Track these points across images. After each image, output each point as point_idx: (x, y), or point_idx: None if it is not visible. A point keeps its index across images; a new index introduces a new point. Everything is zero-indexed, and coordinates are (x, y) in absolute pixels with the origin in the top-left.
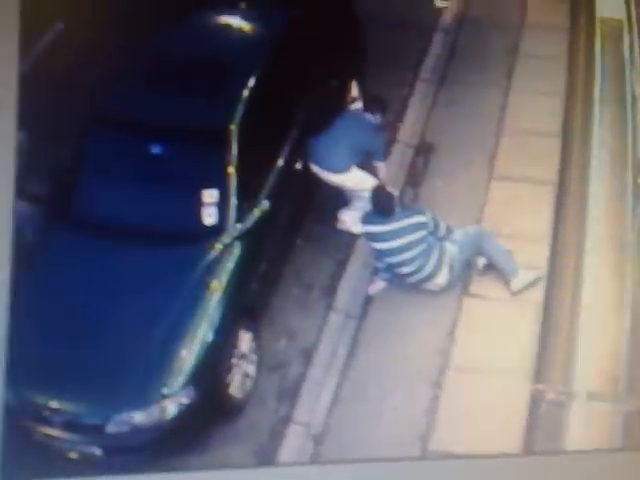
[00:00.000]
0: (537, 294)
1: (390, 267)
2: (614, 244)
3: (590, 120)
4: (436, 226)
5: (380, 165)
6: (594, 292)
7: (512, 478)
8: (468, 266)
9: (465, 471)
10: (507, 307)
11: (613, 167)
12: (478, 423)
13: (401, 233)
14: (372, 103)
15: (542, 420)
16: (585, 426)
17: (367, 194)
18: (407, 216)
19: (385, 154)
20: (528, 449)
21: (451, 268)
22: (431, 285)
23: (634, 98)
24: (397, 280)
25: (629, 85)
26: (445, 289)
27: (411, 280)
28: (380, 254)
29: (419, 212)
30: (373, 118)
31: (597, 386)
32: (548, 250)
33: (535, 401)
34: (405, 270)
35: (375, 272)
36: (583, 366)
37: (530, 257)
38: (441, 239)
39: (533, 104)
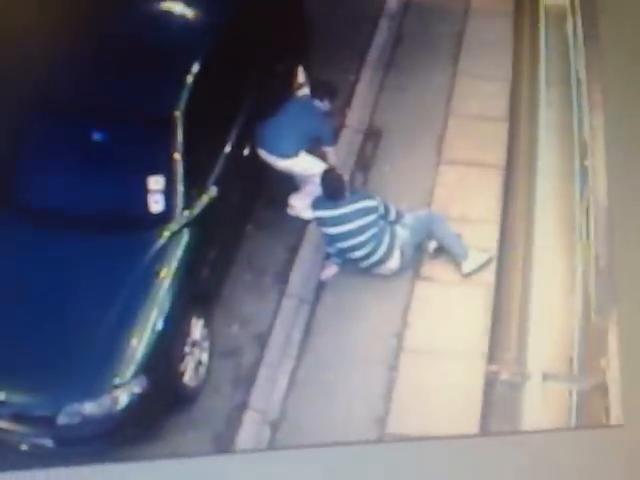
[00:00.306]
0: (488, 276)
1: (341, 252)
2: (563, 225)
3: (536, 103)
4: (386, 210)
5: (329, 150)
6: (545, 273)
7: (469, 459)
8: (419, 249)
9: (423, 453)
10: (459, 289)
11: (560, 149)
12: (434, 405)
13: (351, 217)
14: (321, 89)
15: (497, 401)
16: (540, 406)
17: (317, 179)
18: (356, 200)
19: (334, 139)
20: (484, 430)
21: (402, 252)
22: (383, 269)
23: (579, 81)
24: (349, 265)
25: (573, 69)
26: (397, 273)
27: (363, 265)
28: (331, 239)
29: (369, 197)
30: (322, 104)
31: (551, 366)
32: (498, 232)
33: (490, 382)
34: (356, 254)
35: (327, 257)
36: (536, 347)
37: (480, 240)
38: (392, 223)
39: (480, 88)
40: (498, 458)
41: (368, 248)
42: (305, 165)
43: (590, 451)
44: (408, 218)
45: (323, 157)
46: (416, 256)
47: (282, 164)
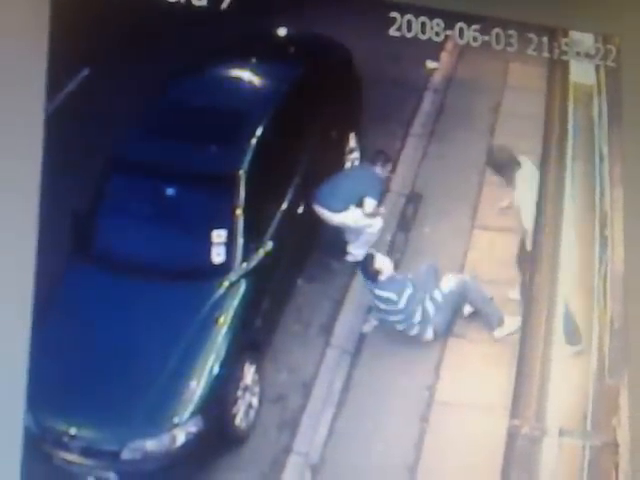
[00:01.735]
0: (514, 336)
1: (380, 312)
2: (583, 289)
3: (562, 175)
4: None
5: (369, 201)
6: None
7: None
8: (455, 315)
9: None
10: (487, 347)
11: (583, 219)
12: (461, 455)
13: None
14: (379, 156)
15: (518, 453)
16: (556, 460)
17: (369, 229)
18: (392, 289)
19: (378, 195)
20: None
21: (435, 328)
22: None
23: (602, 156)
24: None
25: (597, 144)
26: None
27: (399, 328)
28: (373, 296)
29: (402, 284)
30: (380, 171)
31: (567, 423)
32: (524, 296)
33: (512, 435)
34: (392, 319)
35: (369, 311)
36: (554, 404)
37: (508, 302)
38: (424, 301)
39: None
40: None
41: (404, 322)
42: (355, 217)
43: None
44: (444, 289)
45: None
46: (452, 321)
47: (335, 218)
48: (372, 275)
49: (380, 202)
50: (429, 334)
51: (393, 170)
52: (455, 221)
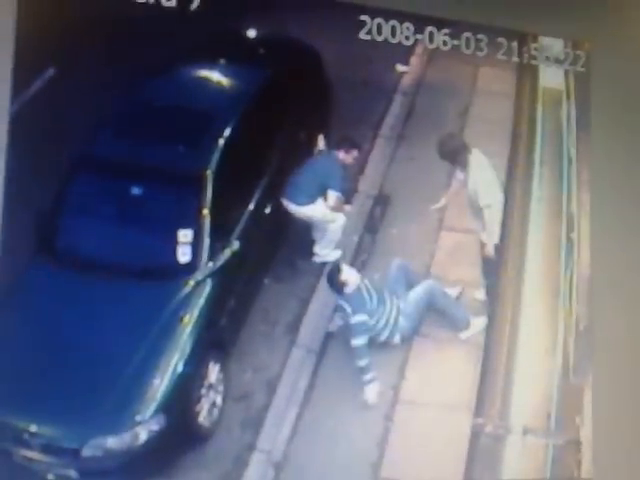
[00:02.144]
0: (479, 336)
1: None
2: (549, 293)
3: (530, 178)
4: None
5: (332, 193)
6: (529, 336)
7: None
8: (421, 319)
9: None
10: (452, 347)
11: (549, 222)
12: (424, 453)
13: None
14: (344, 142)
15: (481, 451)
16: (519, 458)
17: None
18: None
19: (340, 185)
20: (468, 478)
21: (403, 335)
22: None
23: (570, 160)
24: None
25: (565, 148)
26: None
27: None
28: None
29: (369, 300)
30: (344, 156)
31: (531, 421)
32: (490, 296)
33: (475, 434)
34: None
35: (335, 310)
36: (519, 403)
37: (473, 303)
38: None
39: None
40: None
41: (369, 331)
42: (323, 211)
43: None
44: (410, 297)
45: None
46: (419, 325)
47: (302, 211)
48: (337, 287)
49: (344, 193)
50: (396, 339)
51: (361, 172)
52: (423, 223)
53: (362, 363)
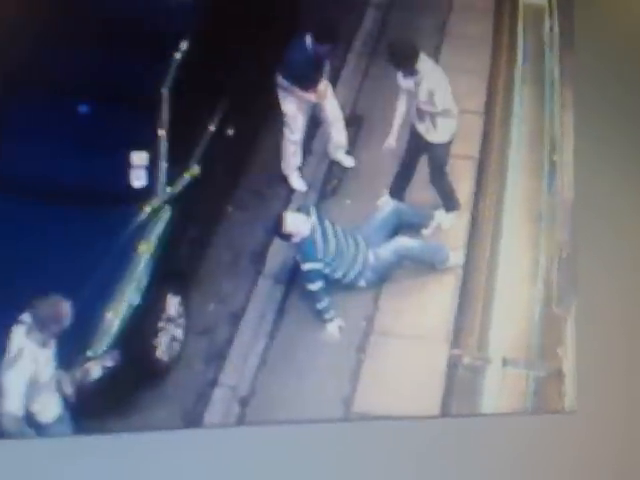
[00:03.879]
0: (458, 262)
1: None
2: (530, 217)
3: (511, 99)
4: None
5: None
6: (510, 263)
7: (430, 439)
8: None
9: (386, 432)
10: (428, 276)
11: (531, 144)
12: (399, 386)
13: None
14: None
15: (459, 384)
16: (499, 390)
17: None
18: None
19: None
20: (445, 411)
21: (368, 281)
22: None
23: (552, 80)
24: None
25: (548, 67)
26: None
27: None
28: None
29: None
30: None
31: (511, 352)
32: (468, 221)
33: (452, 365)
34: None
35: None
36: (498, 333)
37: (452, 227)
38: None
39: (458, 81)
40: (457, 439)
41: (330, 275)
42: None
43: (545, 434)
44: (382, 255)
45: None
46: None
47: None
48: (284, 238)
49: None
50: (362, 284)
51: (333, 89)
52: (397, 145)
53: (320, 306)
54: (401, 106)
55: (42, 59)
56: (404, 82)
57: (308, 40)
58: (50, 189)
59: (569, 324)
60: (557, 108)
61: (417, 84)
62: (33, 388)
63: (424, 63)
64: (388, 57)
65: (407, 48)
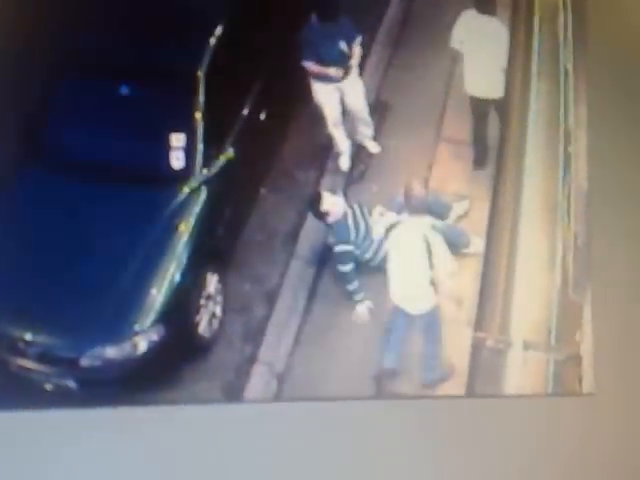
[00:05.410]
0: (479, 249)
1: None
2: (547, 207)
3: (528, 93)
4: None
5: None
6: (529, 251)
7: (456, 418)
8: None
9: (415, 411)
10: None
11: (547, 136)
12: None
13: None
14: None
15: (483, 365)
16: (520, 372)
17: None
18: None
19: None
20: (470, 392)
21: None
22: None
23: (566, 73)
24: None
25: (562, 61)
26: None
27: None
28: None
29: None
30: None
31: (531, 336)
32: (488, 209)
33: (476, 347)
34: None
35: None
36: (519, 318)
37: (472, 214)
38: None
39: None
40: (481, 419)
41: (360, 257)
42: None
43: (564, 416)
44: None
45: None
46: None
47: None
48: (319, 217)
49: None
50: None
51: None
52: (421, 133)
53: (350, 287)
54: None
55: (85, 44)
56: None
57: (314, 19)
58: (95, 170)
59: (585, 309)
60: (571, 101)
61: None
62: None
63: None
64: None
65: None
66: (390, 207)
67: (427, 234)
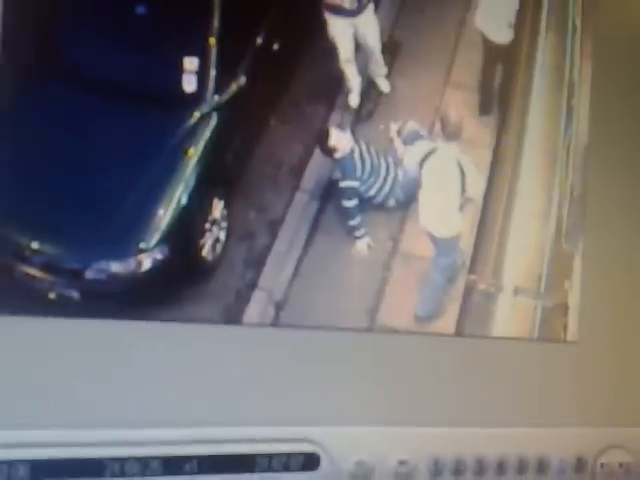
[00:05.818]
0: (478, 195)
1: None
2: (547, 158)
3: (535, 45)
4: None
5: None
6: (526, 198)
7: (444, 356)
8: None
9: (405, 345)
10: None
11: (551, 89)
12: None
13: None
14: None
15: (474, 307)
16: (510, 316)
17: None
18: (345, 169)
19: None
20: (459, 331)
21: (398, 199)
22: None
23: (574, 28)
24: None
25: (571, 16)
26: None
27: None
28: None
29: (359, 168)
30: None
31: (522, 282)
32: (491, 155)
33: (468, 289)
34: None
35: None
36: (512, 263)
37: (476, 160)
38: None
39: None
40: (468, 358)
41: (365, 194)
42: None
43: (548, 361)
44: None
45: None
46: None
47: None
48: (326, 152)
49: None
50: (391, 203)
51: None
52: (430, 75)
53: (353, 222)
54: None
55: None
56: None
57: None
58: (109, 88)
59: (576, 260)
60: (577, 56)
61: None
62: None
63: None
64: None
65: None
66: (421, 135)
67: (460, 158)
